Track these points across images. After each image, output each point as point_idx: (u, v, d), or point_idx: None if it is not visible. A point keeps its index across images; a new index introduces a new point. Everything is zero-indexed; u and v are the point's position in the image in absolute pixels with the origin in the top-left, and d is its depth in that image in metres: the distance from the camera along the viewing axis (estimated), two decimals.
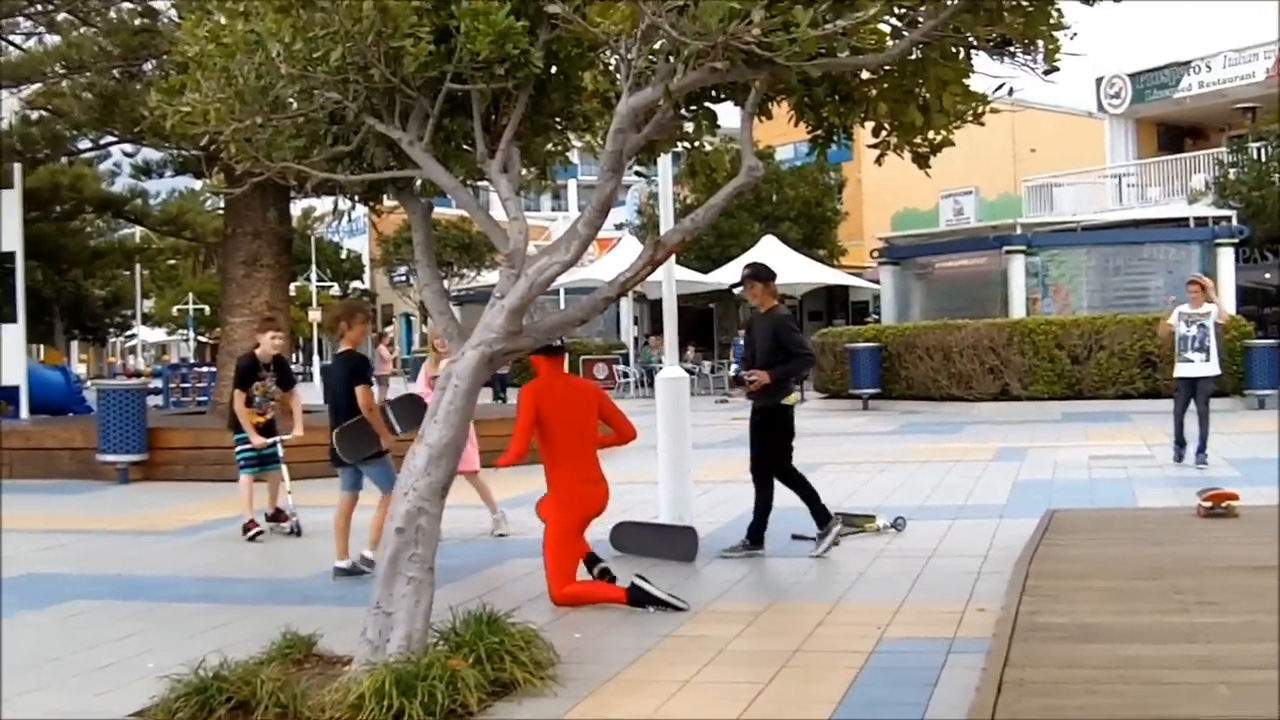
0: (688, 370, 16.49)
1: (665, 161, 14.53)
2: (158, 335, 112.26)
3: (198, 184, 42.47)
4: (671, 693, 8.54)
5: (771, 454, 14.14)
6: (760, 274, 14.43)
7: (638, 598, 11.06)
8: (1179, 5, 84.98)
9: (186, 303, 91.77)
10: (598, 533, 12.75)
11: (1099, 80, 55.34)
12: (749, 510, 14.16)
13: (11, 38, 28.82)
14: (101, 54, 25.23)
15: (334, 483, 14.62)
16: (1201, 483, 16.24)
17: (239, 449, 16.79)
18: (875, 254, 50.85)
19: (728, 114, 10.76)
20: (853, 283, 54.74)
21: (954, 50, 9.00)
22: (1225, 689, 7.00)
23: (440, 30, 8.60)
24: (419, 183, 10.27)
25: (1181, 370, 20.78)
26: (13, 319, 31.19)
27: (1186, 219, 42.70)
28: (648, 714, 8.07)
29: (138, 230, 54.61)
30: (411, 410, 13.09)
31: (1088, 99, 56.96)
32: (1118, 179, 53.60)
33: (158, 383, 48.74)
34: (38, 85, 27.63)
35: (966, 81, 9.23)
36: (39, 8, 26.96)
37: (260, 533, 16.37)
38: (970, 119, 9.37)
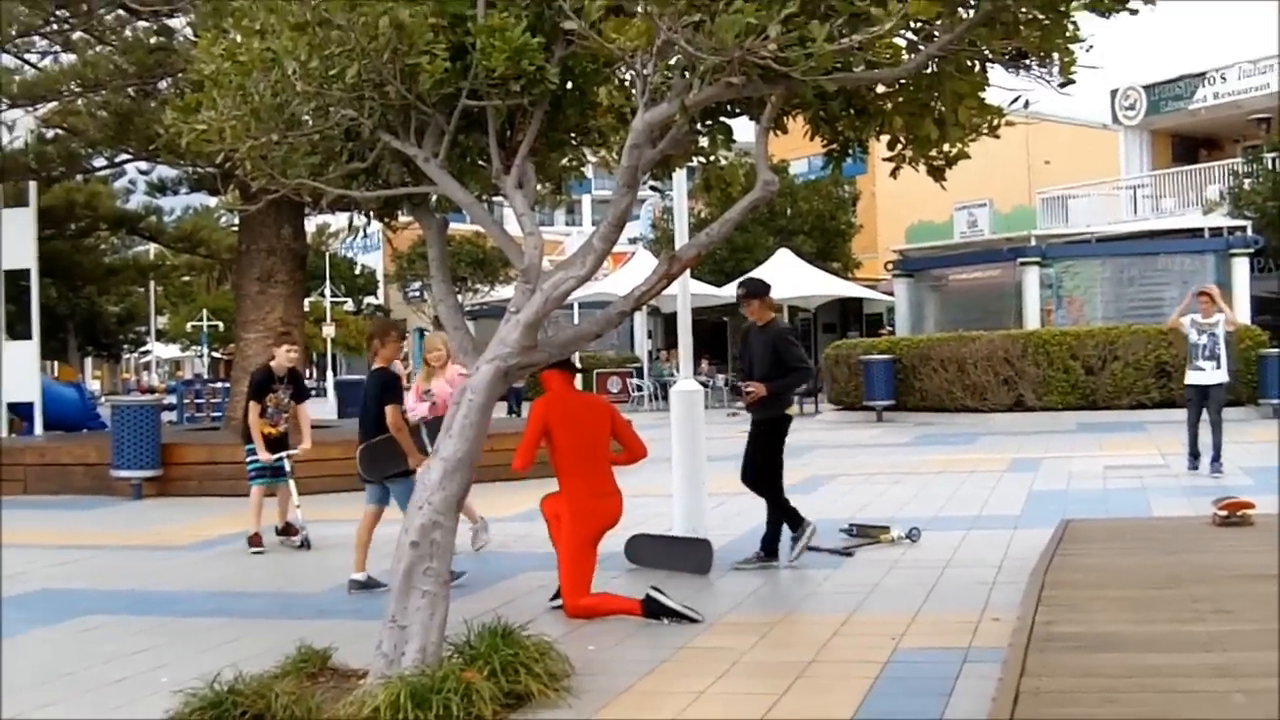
0: (702, 383, 16.49)
1: (680, 176, 14.56)
2: (172, 351, 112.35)
3: (212, 201, 42.46)
4: (687, 704, 8.56)
5: (762, 466, 14.11)
6: (754, 290, 14.51)
7: (653, 609, 11.08)
8: (1193, 18, 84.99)
9: (200, 319, 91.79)
10: (612, 545, 12.77)
11: (1114, 92, 55.34)
12: (763, 522, 14.17)
13: (27, 57, 28.89)
14: (117, 72, 25.27)
15: (346, 498, 14.76)
16: (1216, 491, 16.25)
17: (249, 460, 16.87)
18: (890, 266, 50.85)
19: (742, 128, 10.79)
20: (867, 295, 54.69)
21: (969, 64, 9.01)
22: (1241, 697, 7.00)
23: (456, 47, 8.63)
24: (434, 198, 10.29)
25: (1192, 378, 20.87)
26: (27, 335, 31.32)
27: (1201, 229, 42.66)
28: None
29: (152, 247, 54.69)
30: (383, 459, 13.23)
31: (1102, 111, 56.93)
32: (1132, 190, 53.60)
33: (172, 399, 48.80)
34: (53, 104, 27.66)
35: (982, 95, 9.23)
36: (55, 27, 27.01)
37: (261, 550, 16.45)
38: (985, 132, 9.38)
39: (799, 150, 42.41)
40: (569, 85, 9.42)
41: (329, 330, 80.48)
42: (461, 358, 9.78)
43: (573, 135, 10.41)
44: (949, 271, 48.02)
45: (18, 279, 31.48)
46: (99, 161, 30.93)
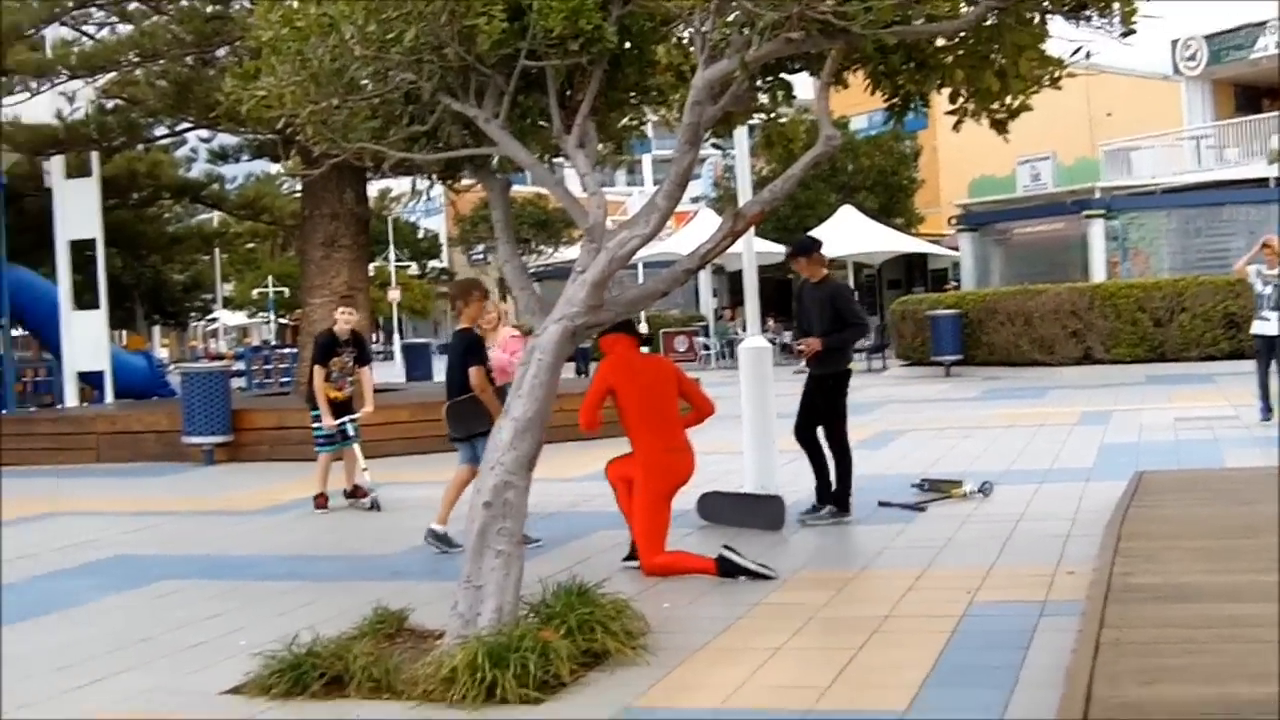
0: (769, 340, 16.45)
1: (742, 133, 14.53)
2: (238, 318, 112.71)
3: (274, 168, 42.59)
4: (763, 660, 8.54)
5: (824, 420, 14.09)
6: (801, 249, 14.52)
7: (727, 569, 11.07)
8: None
9: (266, 285, 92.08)
10: (684, 503, 12.76)
11: (1174, 42, 54.92)
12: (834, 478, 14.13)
13: (85, 28, 28.97)
14: (175, 41, 25.31)
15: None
16: None
17: (315, 427, 16.94)
18: (954, 221, 50.66)
19: (802, 85, 10.74)
20: (931, 250, 54.49)
21: (1029, 15, 8.95)
22: None
23: (513, 7, 8.59)
24: (496, 160, 10.27)
25: (1258, 328, 20.73)
26: (95, 305, 31.52)
27: (1266, 179, 42.35)
28: (740, 682, 8.07)
29: (215, 215, 54.77)
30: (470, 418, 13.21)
31: (1163, 62, 56.55)
32: (1195, 141, 53.17)
33: (240, 365, 49.02)
34: (112, 74, 27.73)
35: (1042, 46, 9.17)
36: None
37: (325, 510, 16.70)
38: (1047, 84, 9.31)
39: (860, 106, 42.25)
40: (627, 44, 9.36)
41: (394, 294, 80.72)
42: (528, 318, 9.76)
43: (632, 94, 10.37)
44: (1013, 225, 47.85)
45: (83, 249, 31.65)
46: (160, 130, 31.04)
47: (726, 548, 11.23)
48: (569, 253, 66.62)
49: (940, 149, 59.56)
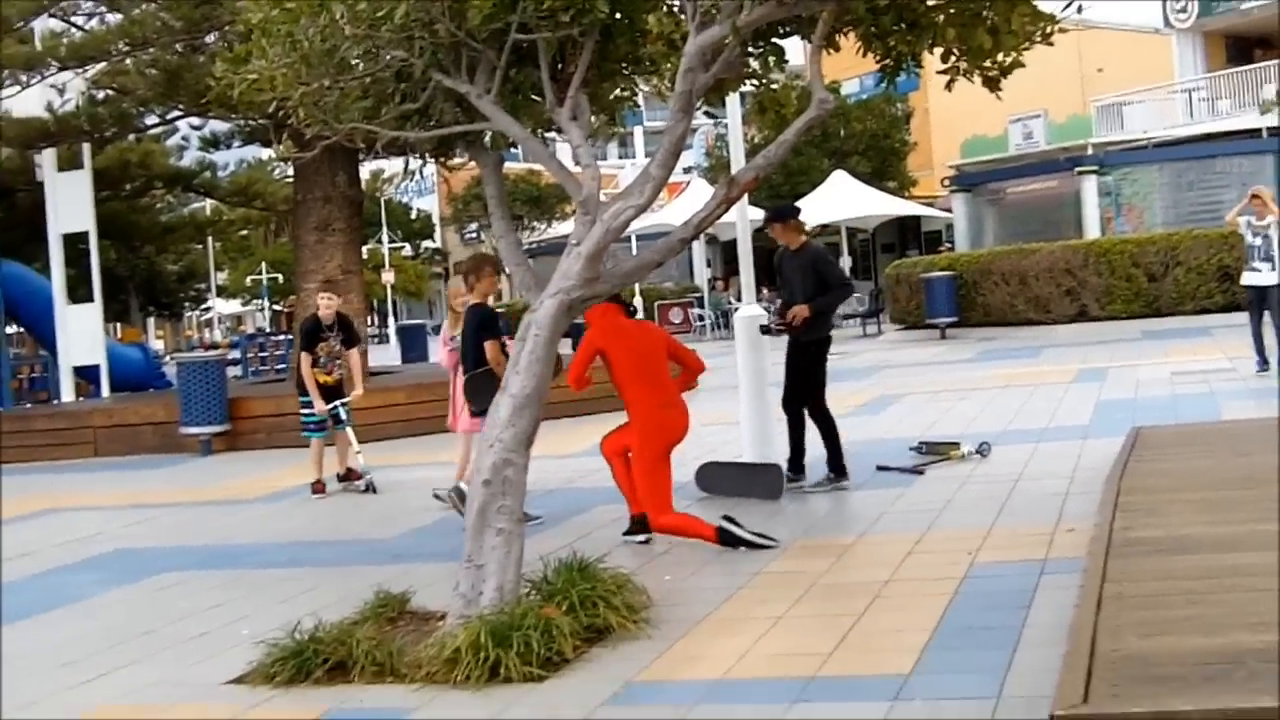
0: (765, 309, 16.46)
1: (733, 101, 14.51)
2: (233, 307, 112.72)
3: (265, 153, 42.56)
4: (765, 629, 8.56)
5: (807, 388, 14.12)
6: (778, 214, 14.57)
7: (726, 539, 11.09)
8: None
9: (260, 272, 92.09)
10: (682, 475, 12.77)
11: None
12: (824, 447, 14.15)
13: (74, 19, 28.92)
14: (164, 29, 25.27)
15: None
16: None
17: (304, 413, 16.96)
18: (946, 182, 50.62)
19: (793, 50, 10.73)
20: (925, 213, 54.40)
21: None
22: None
23: None
24: (489, 136, 10.26)
25: (1248, 279, 20.73)
26: (89, 298, 31.45)
27: (1259, 130, 42.29)
28: (743, 651, 8.09)
29: (208, 203, 54.69)
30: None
31: (1154, 15, 56.43)
32: (1187, 94, 53.07)
33: (235, 353, 49.00)
34: (102, 64, 27.68)
35: (1034, 1, 9.16)
36: None
37: (324, 495, 16.75)
38: (1039, 39, 9.30)
39: (850, 70, 42.18)
40: (618, 14, 9.37)
41: (388, 276, 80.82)
42: (524, 293, 9.75)
43: (624, 65, 10.37)
44: (1006, 185, 47.83)
45: (76, 242, 31.56)
46: (151, 120, 31.03)
47: (726, 518, 11.24)
48: (563, 228, 66.61)
49: (932, 110, 59.40)
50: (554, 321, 9.04)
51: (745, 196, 11.55)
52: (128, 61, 27.09)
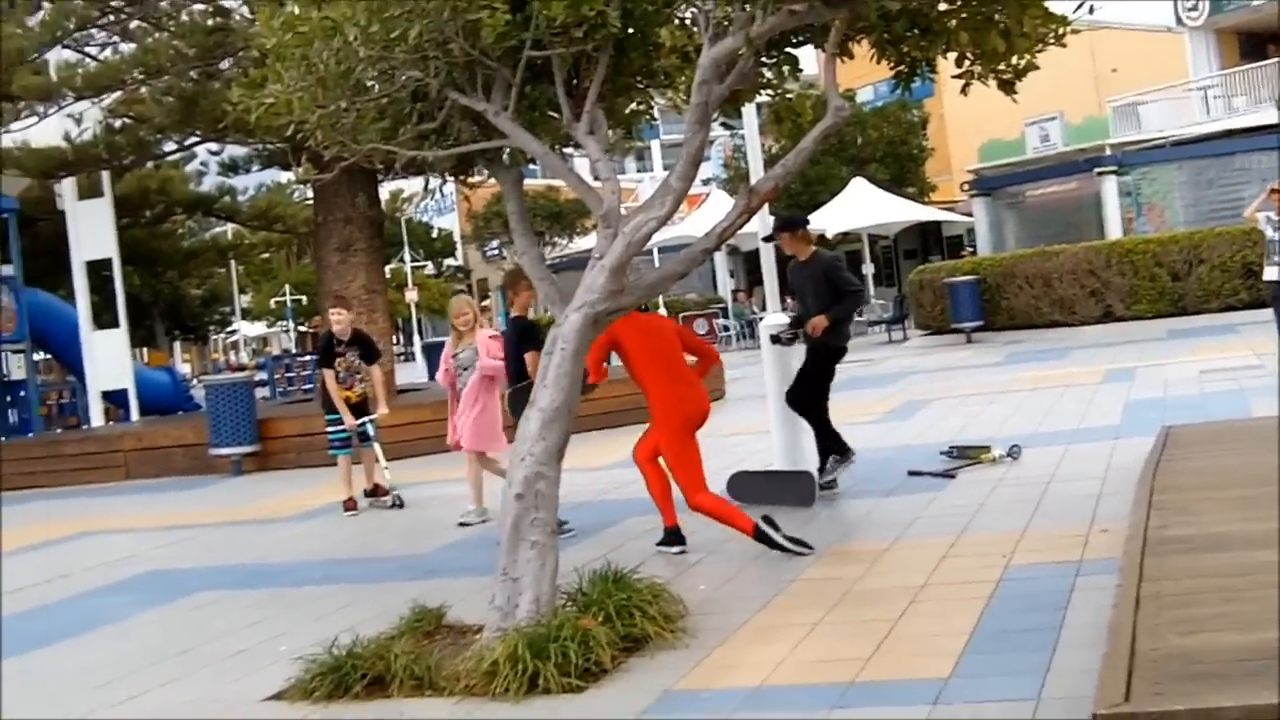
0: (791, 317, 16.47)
1: (750, 111, 14.51)
2: (258, 329, 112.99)
3: (284, 176, 42.69)
4: (803, 636, 8.55)
5: (813, 391, 14.23)
6: (787, 224, 14.63)
7: (761, 537, 11.09)
8: None
9: (283, 294, 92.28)
10: (714, 484, 12.75)
11: None
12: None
13: (88, 49, 28.99)
14: (178, 56, 25.33)
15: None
16: None
17: (330, 430, 17.01)
18: (965, 187, 50.59)
19: (807, 60, 10.73)
20: (945, 218, 54.41)
21: None
22: None
23: None
24: (507, 153, 10.27)
25: (1270, 274, 20.64)
26: (115, 324, 31.63)
27: (1276, 125, 42.17)
28: (780, 659, 8.08)
29: (229, 227, 54.83)
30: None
31: (1165, 13, 56.43)
32: (1202, 92, 53.07)
33: (262, 375, 49.10)
34: (118, 93, 27.76)
35: (1046, 3, 9.16)
36: (111, 17, 27.10)
37: (355, 513, 16.83)
38: (1052, 41, 9.30)
39: (864, 77, 42.27)
40: (631, 29, 9.36)
41: (411, 295, 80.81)
42: (550, 308, 9.76)
43: (639, 78, 10.37)
44: (1025, 188, 47.81)
45: (100, 269, 31.73)
46: (169, 146, 31.02)
47: (765, 519, 11.23)
48: (584, 243, 66.68)
49: (948, 115, 59.40)
50: (580, 335, 9.04)
51: (766, 206, 11.54)
52: (143, 89, 27.17)
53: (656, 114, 11.48)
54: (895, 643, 8.19)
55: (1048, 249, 37.35)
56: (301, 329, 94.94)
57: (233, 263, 72.55)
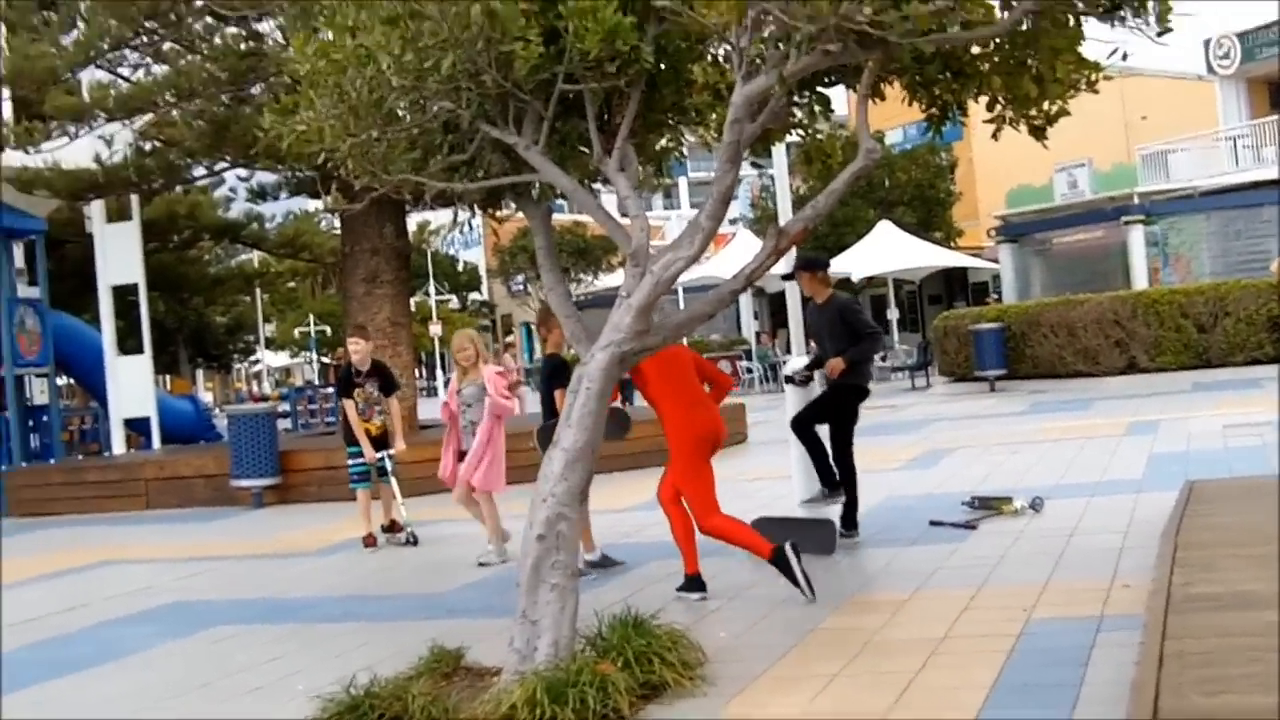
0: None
1: (780, 151, 14.50)
2: (281, 359, 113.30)
3: (312, 205, 42.79)
4: (822, 687, 8.46)
5: (833, 442, 14.22)
6: (810, 264, 14.61)
7: (779, 560, 11.06)
8: None
9: (307, 324, 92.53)
10: None
11: (1207, 42, 54.73)
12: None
13: (120, 71, 29.07)
14: (210, 80, 25.39)
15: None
16: None
17: (350, 463, 16.98)
18: (993, 232, 50.57)
19: (837, 100, 10.69)
20: (971, 263, 54.37)
21: (1064, 18, 8.89)
22: None
23: (549, 31, 8.56)
24: (537, 187, 10.24)
25: None
26: (139, 350, 31.63)
27: None
28: (800, 709, 8.00)
29: (256, 255, 55.05)
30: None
31: (1196, 62, 56.36)
32: (1232, 141, 52.99)
33: (285, 406, 49.19)
34: (149, 116, 27.81)
35: (1079, 49, 9.11)
36: (145, 39, 27.16)
37: (375, 549, 16.85)
38: (1084, 87, 9.25)
39: (894, 120, 42.26)
40: (663, 65, 9.34)
41: (435, 328, 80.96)
42: (576, 346, 9.71)
43: (670, 115, 10.32)
44: (1053, 234, 47.84)
45: (126, 294, 31.79)
46: (198, 171, 31.14)
47: (793, 545, 11.18)
48: (610, 280, 66.77)
49: (976, 160, 59.48)
50: (605, 374, 8.98)
51: (792, 248, 11.51)
52: (174, 113, 27.21)
53: (685, 151, 11.44)
54: (915, 695, 8.11)
55: (1073, 298, 37.34)
56: (325, 360, 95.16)
57: (258, 290, 72.70)
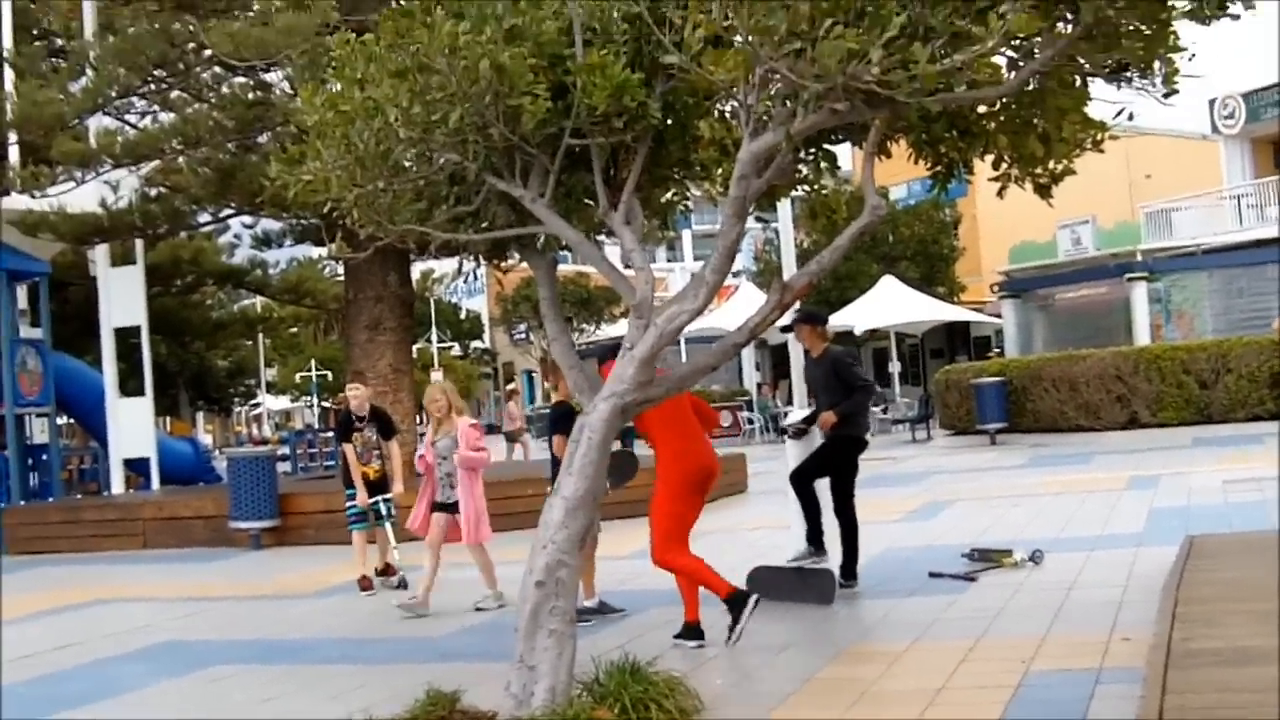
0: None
1: (784, 205, 14.57)
2: (282, 403, 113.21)
3: (316, 252, 42.80)
4: None
5: (834, 493, 14.29)
6: (810, 318, 14.75)
7: (736, 605, 11.23)
8: None
9: (309, 369, 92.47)
10: (735, 579, 12.69)
11: (1212, 102, 54.83)
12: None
13: (127, 118, 29.15)
14: (217, 128, 25.46)
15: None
16: None
17: (348, 506, 17.08)
18: (995, 288, 50.62)
19: (842, 155, 10.75)
20: (973, 318, 54.42)
21: (1071, 78, 8.95)
22: None
23: (557, 86, 8.64)
24: (542, 239, 10.30)
25: None
26: (140, 392, 31.73)
27: None
28: None
29: (258, 300, 55.07)
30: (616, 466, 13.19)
31: (1201, 121, 56.47)
32: (1236, 200, 53.08)
33: (285, 449, 49.18)
34: (155, 162, 27.91)
35: (1085, 109, 9.17)
36: (153, 87, 27.25)
37: (372, 592, 16.91)
38: (1090, 146, 9.31)
39: (898, 175, 42.34)
40: (670, 120, 9.40)
41: (437, 375, 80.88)
42: (579, 396, 9.76)
43: (676, 169, 10.39)
44: (1055, 290, 47.84)
45: (128, 336, 31.87)
46: (203, 217, 31.16)
47: (756, 599, 11.26)
48: (612, 330, 66.77)
49: (980, 216, 59.61)
50: (607, 425, 9.03)
51: (796, 301, 11.57)
52: (180, 160, 27.29)
53: (690, 204, 11.50)
54: None
55: (1075, 353, 37.29)
56: (325, 405, 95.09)
57: (260, 335, 72.69)
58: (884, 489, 24.32)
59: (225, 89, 27.11)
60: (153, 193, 29.41)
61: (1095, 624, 11.17)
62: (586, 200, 9.92)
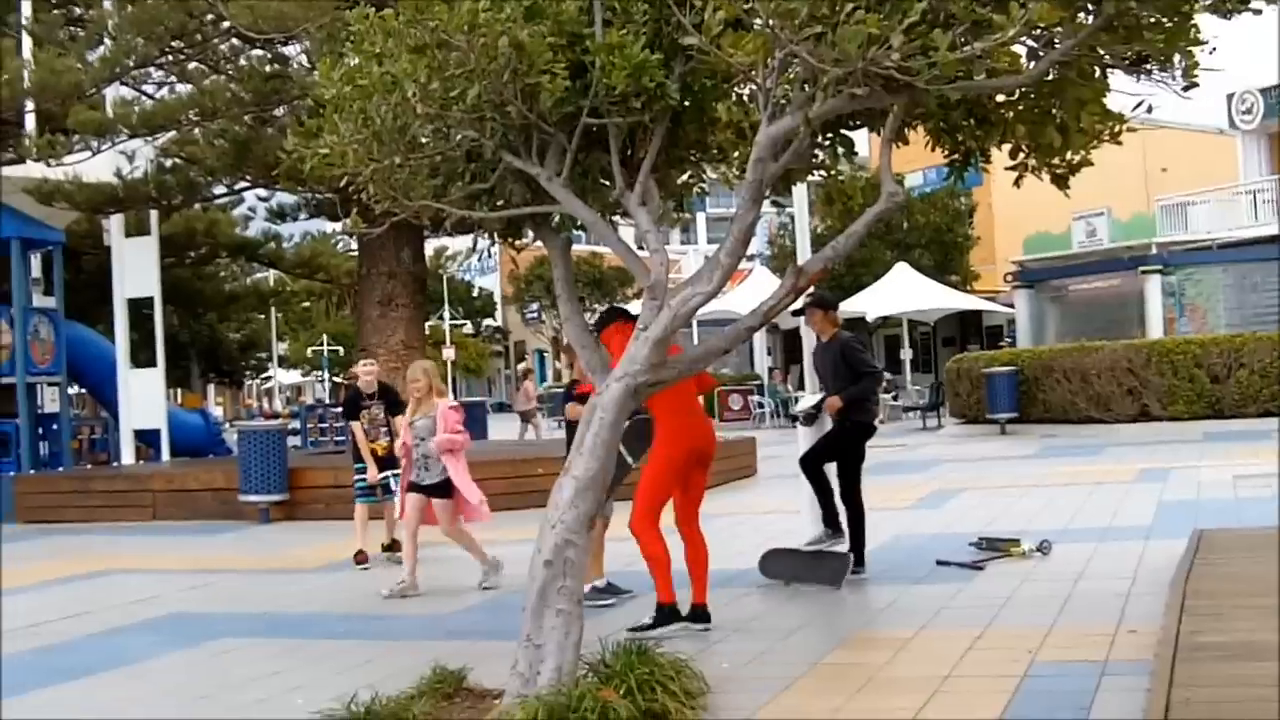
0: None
1: (800, 190, 14.54)
2: (293, 377, 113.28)
3: (330, 226, 42.82)
4: None
5: (840, 480, 14.22)
6: (821, 302, 14.66)
7: (662, 617, 11.55)
8: None
9: (320, 344, 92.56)
10: (744, 562, 12.69)
11: (1230, 96, 54.65)
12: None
13: (145, 88, 29.17)
14: (233, 100, 25.45)
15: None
16: None
17: (356, 478, 17.18)
18: (1009, 278, 50.55)
19: (859, 141, 10.72)
20: (986, 307, 54.32)
21: (1091, 69, 8.92)
22: None
23: (576, 65, 8.61)
24: (557, 218, 10.28)
25: None
26: (152, 363, 31.75)
27: None
28: None
29: (271, 273, 55.12)
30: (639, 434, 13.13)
31: (1218, 115, 56.32)
32: (1252, 195, 52.94)
33: (295, 423, 49.19)
34: (171, 133, 27.89)
35: (1104, 100, 9.14)
36: (170, 58, 27.25)
37: (367, 566, 17.05)
38: (1107, 138, 9.28)
39: (914, 163, 42.29)
40: (688, 102, 9.37)
41: (449, 353, 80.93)
42: (591, 376, 9.74)
43: (693, 152, 10.36)
44: (1069, 282, 47.76)
45: (141, 307, 31.90)
46: (218, 189, 31.21)
47: (684, 617, 11.56)
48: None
49: (995, 205, 59.50)
50: (619, 406, 9.01)
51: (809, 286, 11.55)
52: (197, 131, 27.31)
53: (706, 187, 11.47)
54: None
55: (1087, 344, 37.22)
56: (336, 380, 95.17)
57: (273, 309, 72.75)
58: (894, 476, 24.31)
59: (243, 61, 27.18)
60: (168, 164, 29.40)
61: (1102, 616, 11.15)
62: (602, 180, 9.88)
